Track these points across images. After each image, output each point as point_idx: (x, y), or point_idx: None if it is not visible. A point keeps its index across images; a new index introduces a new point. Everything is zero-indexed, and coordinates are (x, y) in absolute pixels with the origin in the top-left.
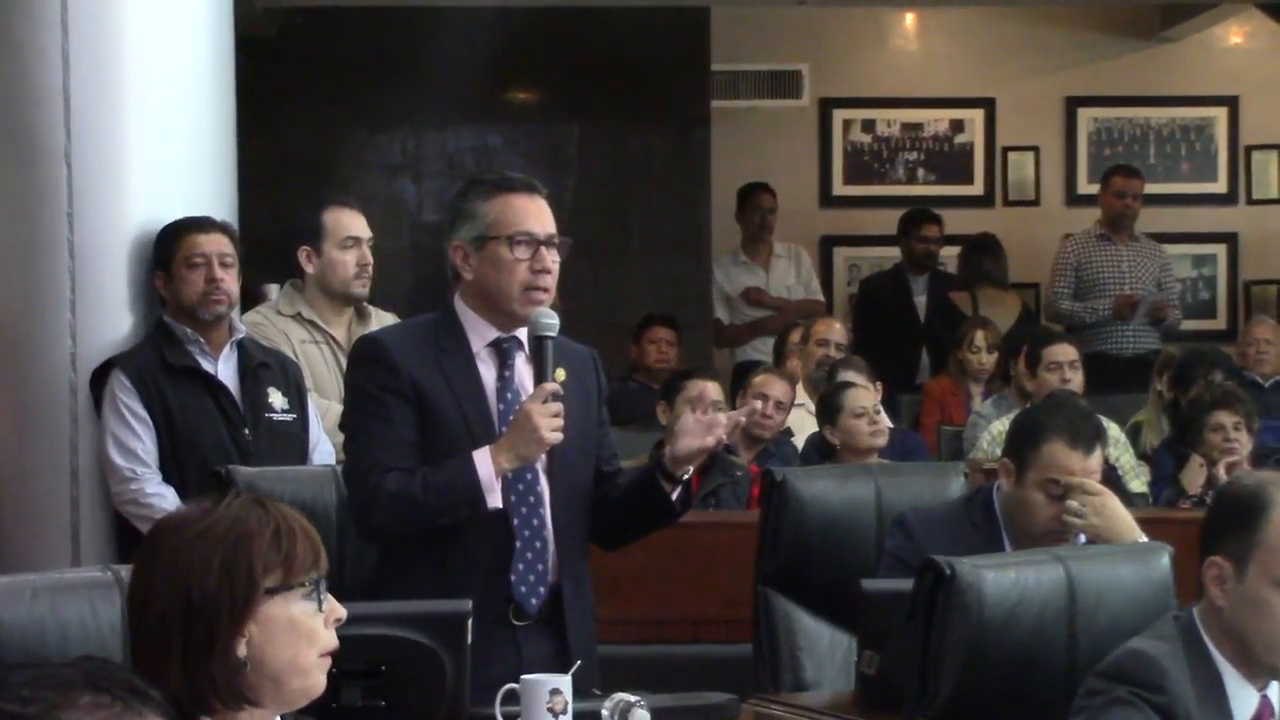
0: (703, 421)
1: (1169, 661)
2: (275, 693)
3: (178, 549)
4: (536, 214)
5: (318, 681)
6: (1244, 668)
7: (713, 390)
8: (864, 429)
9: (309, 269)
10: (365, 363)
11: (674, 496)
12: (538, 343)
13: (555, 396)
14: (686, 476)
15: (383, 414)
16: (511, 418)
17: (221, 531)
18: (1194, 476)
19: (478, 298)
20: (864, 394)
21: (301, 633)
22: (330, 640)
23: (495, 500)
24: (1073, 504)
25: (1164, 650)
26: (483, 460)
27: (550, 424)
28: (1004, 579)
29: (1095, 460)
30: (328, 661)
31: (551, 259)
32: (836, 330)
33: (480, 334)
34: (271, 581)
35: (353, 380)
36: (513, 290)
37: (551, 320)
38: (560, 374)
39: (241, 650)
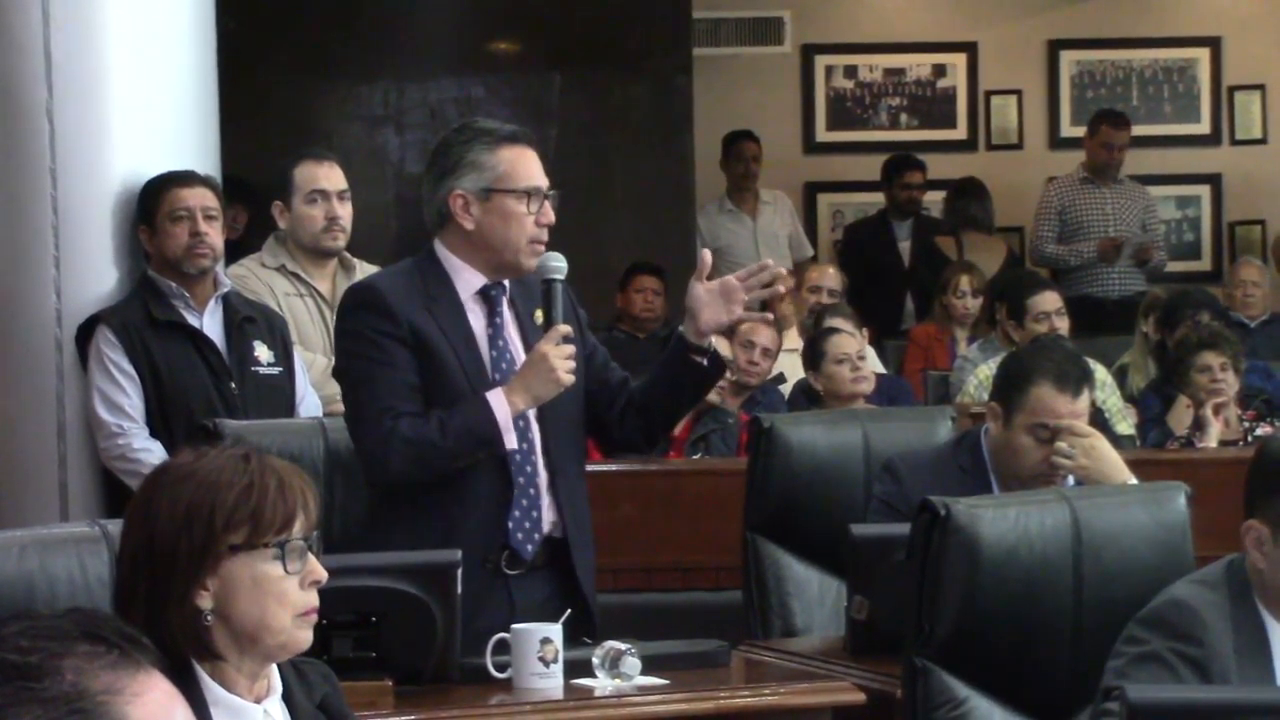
0: (712, 290)
1: (1210, 613)
2: (249, 648)
3: (156, 492)
4: (539, 168)
5: (296, 639)
6: None
7: (709, 256)
8: (845, 375)
9: (281, 224)
10: (361, 309)
11: (705, 364)
12: (547, 285)
13: (566, 339)
14: (712, 347)
15: (385, 359)
16: (524, 359)
17: (197, 480)
18: (1181, 417)
19: (472, 246)
20: (847, 340)
21: (269, 593)
22: (306, 601)
23: (512, 440)
24: (1062, 446)
25: (1208, 600)
26: (498, 401)
27: (565, 365)
28: (1002, 519)
29: (1083, 403)
30: (312, 619)
31: (549, 212)
32: (830, 276)
33: (467, 281)
34: (236, 539)
35: (349, 327)
36: (520, 243)
37: (559, 264)
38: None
39: (205, 603)
